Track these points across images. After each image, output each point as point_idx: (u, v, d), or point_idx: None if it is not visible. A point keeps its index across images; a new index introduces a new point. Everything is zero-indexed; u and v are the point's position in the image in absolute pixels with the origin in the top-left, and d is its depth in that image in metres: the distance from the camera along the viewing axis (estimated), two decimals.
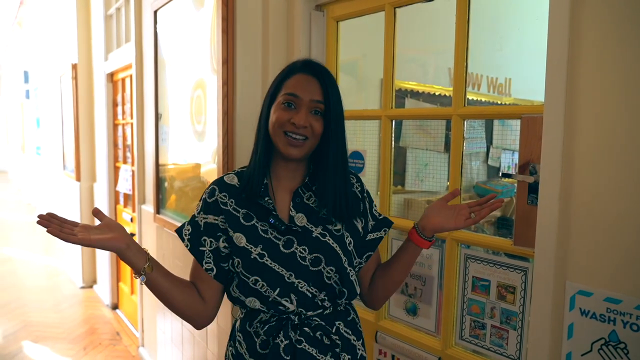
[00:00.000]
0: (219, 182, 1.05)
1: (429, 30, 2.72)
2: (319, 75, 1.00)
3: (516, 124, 3.38)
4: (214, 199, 1.02)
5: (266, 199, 1.00)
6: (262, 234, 0.99)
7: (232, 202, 1.01)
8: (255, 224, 1.00)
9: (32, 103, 8.27)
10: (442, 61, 2.92)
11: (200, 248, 1.02)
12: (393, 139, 1.50)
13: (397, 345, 1.45)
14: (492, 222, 3.09)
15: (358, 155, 1.62)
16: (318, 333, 0.99)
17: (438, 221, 1.03)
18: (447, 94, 2.90)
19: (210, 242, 1.01)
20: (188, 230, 1.04)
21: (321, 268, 0.98)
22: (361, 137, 1.75)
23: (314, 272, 0.98)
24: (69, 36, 4.53)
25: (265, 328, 0.99)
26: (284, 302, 0.98)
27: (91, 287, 4.45)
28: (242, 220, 1.00)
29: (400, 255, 1.08)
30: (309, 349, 0.98)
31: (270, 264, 0.97)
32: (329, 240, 1.00)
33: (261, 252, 0.97)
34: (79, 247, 4.47)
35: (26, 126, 9.62)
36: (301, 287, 0.98)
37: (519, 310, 1.19)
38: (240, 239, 0.98)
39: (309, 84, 0.99)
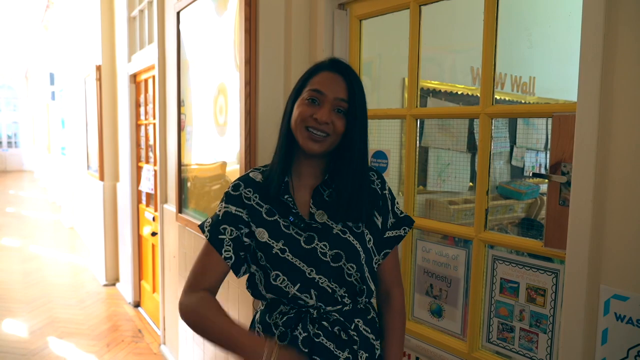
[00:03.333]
0: (245, 178, 1.06)
1: (450, 28, 2.68)
2: (345, 74, 1.00)
3: (540, 123, 3.31)
4: (238, 192, 1.04)
5: (286, 196, 1.01)
6: (284, 229, 1.00)
7: (256, 197, 1.03)
8: (278, 219, 1.01)
9: (58, 104, 8.48)
10: (464, 59, 2.88)
11: (220, 237, 1.01)
12: (419, 136, 1.48)
13: (422, 347, 1.43)
14: (515, 223, 3.03)
15: (382, 154, 1.60)
16: (336, 328, 0.99)
17: None
18: (469, 93, 2.86)
19: (231, 230, 1.01)
20: (209, 222, 1.06)
21: (342, 264, 0.98)
22: (377, 136, 1.73)
23: (335, 268, 0.98)
24: (93, 38, 4.63)
25: (284, 319, 1.00)
26: (303, 298, 0.98)
27: (114, 284, 4.53)
28: (264, 216, 1.01)
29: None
30: (326, 343, 0.99)
31: (292, 259, 0.98)
32: (349, 237, 1.00)
33: (282, 247, 0.98)
34: (102, 245, 4.56)
35: (52, 127, 9.87)
36: (322, 283, 0.98)
37: (549, 314, 1.15)
38: (262, 234, 1.00)
39: (335, 82, 0.98)
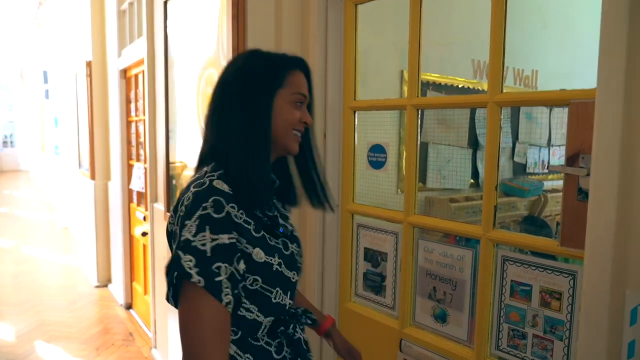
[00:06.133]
0: (220, 192, 0.84)
1: (451, 18, 2.58)
2: (308, 74, 1.00)
3: (544, 117, 3.21)
4: (224, 213, 0.82)
5: (273, 210, 0.97)
6: (271, 243, 0.92)
7: (242, 213, 0.86)
8: (265, 234, 0.92)
9: (51, 103, 8.35)
10: (465, 52, 2.78)
11: (216, 279, 0.80)
12: (419, 131, 1.38)
13: (425, 355, 1.32)
14: (518, 221, 2.94)
15: (380, 149, 1.49)
16: (304, 318, 1.00)
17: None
18: (470, 87, 2.76)
19: (225, 267, 0.81)
20: (191, 262, 0.79)
21: (301, 261, 1.01)
22: (373, 130, 1.61)
23: (300, 267, 1.01)
24: (84, 34, 4.51)
25: (281, 328, 0.95)
26: (289, 302, 0.97)
27: (106, 286, 4.41)
28: (254, 233, 0.89)
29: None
30: (305, 337, 1.02)
31: (284, 270, 0.93)
32: (297, 233, 1.03)
33: (279, 261, 0.92)
34: (94, 245, 4.45)
35: (45, 126, 9.74)
36: (296, 284, 1.00)
37: (566, 319, 1.05)
38: (259, 254, 0.88)
39: (304, 81, 0.99)
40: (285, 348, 0.95)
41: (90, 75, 4.29)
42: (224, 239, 0.81)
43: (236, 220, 0.85)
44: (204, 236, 0.80)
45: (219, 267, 0.80)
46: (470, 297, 1.25)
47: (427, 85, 2.52)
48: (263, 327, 0.92)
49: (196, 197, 0.83)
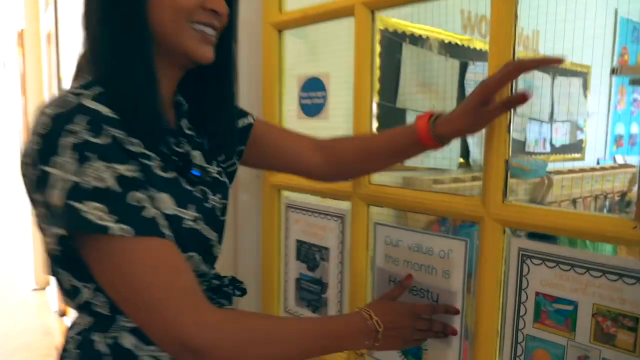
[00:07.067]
0: (96, 113, 0.58)
1: None
2: None
3: (545, 86, 2.73)
4: (107, 139, 0.57)
5: (180, 138, 0.71)
6: (186, 188, 0.68)
7: (139, 144, 0.61)
8: (178, 177, 0.68)
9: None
10: (454, 1, 2.30)
11: (142, 214, 0.57)
12: (373, 56, 0.86)
13: None
14: None
15: (316, 84, 0.94)
16: (232, 289, 0.78)
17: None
18: (459, 43, 2.29)
19: (146, 196, 0.60)
20: (97, 209, 0.55)
21: (224, 219, 0.77)
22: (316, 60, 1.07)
23: (222, 223, 0.76)
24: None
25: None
26: (211, 272, 0.74)
27: (44, 289, 3.88)
28: (160, 172, 0.64)
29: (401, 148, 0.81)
30: None
31: (203, 229, 0.69)
32: (224, 178, 0.78)
33: (195, 215, 0.67)
34: (31, 241, 3.90)
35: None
36: (219, 250, 0.76)
37: None
38: (166, 203, 0.64)
39: None
40: None
41: (22, 45, 3.75)
42: (122, 170, 0.57)
43: (131, 148, 0.60)
44: (92, 167, 0.55)
45: (137, 199, 0.58)
46: (462, 321, 0.74)
47: (402, 37, 2.03)
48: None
49: (56, 120, 0.56)
